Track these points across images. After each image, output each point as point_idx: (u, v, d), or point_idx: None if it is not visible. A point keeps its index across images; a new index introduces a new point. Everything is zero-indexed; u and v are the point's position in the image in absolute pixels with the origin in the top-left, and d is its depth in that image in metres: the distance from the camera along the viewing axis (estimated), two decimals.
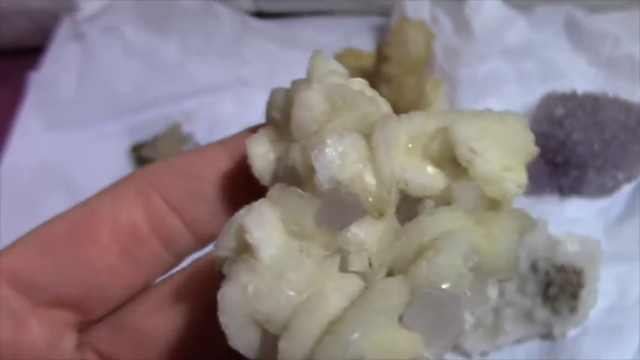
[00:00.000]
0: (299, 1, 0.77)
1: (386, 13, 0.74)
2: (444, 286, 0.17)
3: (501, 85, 0.66)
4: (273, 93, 0.21)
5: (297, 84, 0.20)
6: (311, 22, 0.77)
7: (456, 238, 0.17)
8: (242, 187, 0.21)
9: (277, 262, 0.18)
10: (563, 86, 0.64)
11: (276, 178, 0.20)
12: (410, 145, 0.19)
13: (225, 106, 0.70)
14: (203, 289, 0.21)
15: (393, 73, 0.58)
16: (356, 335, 0.16)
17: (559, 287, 0.52)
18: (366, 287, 0.18)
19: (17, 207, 0.63)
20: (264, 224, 0.18)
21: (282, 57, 0.74)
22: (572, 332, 0.53)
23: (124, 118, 0.70)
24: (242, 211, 0.18)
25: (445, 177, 0.19)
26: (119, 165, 0.67)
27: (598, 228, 0.57)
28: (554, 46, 0.69)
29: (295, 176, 0.19)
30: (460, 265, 0.17)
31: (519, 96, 0.65)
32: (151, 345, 0.22)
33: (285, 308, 0.17)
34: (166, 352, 0.22)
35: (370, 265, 0.18)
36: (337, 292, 0.17)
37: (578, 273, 0.53)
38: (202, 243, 0.22)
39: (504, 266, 0.18)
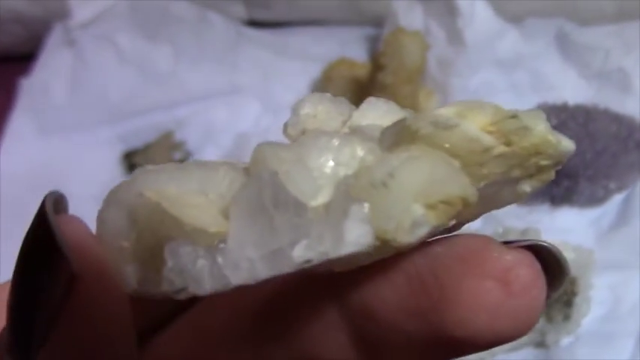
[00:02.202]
0: (291, 10, 0.77)
1: (378, 23, 0.74)
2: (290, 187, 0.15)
3: (493, 95, 0.67)
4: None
5: None
6: (303, 31, 0.77)
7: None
8: None
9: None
10: (554, 98, 0.64)
11: None
12: None
13: (217, 114, 0.71)
14: None
15: (388, 82, 0.59)
16: (164, 176, 0.16)
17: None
18: None
19: (7, 213, 0.62)
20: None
21: (274, 65, 0.74)
22: (565, 340, 0.53)
23: (116, 125, 0.70)
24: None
25: None
26: (110, 172, 0.67)
27: (590, 237, 0.58)
28: (546, 58, 0.69)
29: None
30: (324, 171, 0.15)
31: (512, 106, 0.65)
32: None
33: None
34: None
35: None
36: None
37: (571, 281, 0.53)
38: None
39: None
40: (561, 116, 0.61)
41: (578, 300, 0.53)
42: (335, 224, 0.15)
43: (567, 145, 0.17)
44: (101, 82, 0.72)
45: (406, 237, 0.15)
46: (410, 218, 0.15)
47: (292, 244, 0.15)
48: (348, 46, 0.74)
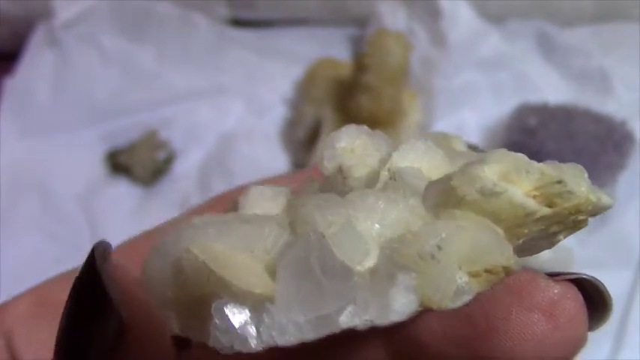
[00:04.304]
0: (275, 10, 0.77)
1: (361, 23, 0.75)
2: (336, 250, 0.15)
3: (476, 96, 0.68)
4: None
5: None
6: (287, 31, 0.77)
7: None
8: None
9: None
10: (535, 98, 0.65)
11: None
12: None
13: (201, 114, 0.71)
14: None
15: (371, 83, 0.59)
16: (212, 231, 0.16)
17: None
18: None
19: None
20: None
21: (258, 65, 0.74)
22: None
23: (99, 125, 0.70)
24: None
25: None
26: (94, 172, 0.67)
27: (570, 236, 0.59)
28: (527, 58, 0.70)
29: None
30: (371, 234, 0.16)
31: (493, 106, 0.66)
32: None
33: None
34: None
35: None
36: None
37: None
38: None
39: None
40: (541, 116, 0.62)
41: None
42: (381, 291, 0.15)
43: (607, 201, 0.17)
44: (85, 82, 0.72)
45: (450, 304, 0.16)
46: (454, 286, 0.16)
47: (339, 310, 0.15)
48: (332, 47, 0.75)
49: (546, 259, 0.55)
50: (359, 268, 0.15)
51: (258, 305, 0.15)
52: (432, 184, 0.17)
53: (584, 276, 0.16)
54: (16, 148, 0.68)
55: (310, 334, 0.15)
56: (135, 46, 0.74)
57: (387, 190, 0.17)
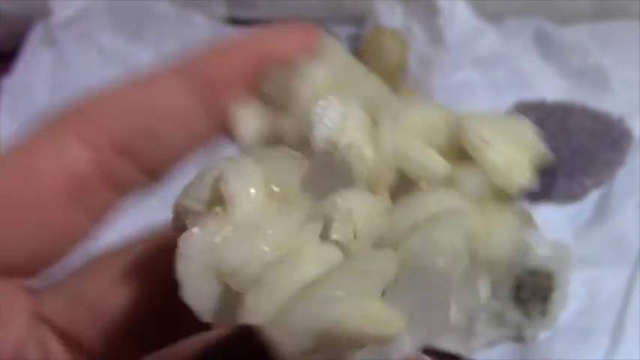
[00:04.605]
0: (272, 9, 0.77)
1: (359, 22, 0.75)
2: (438, 263, 0.15)
3: (473, 93, 0.68)
4: (271, 71, 0.19)
5: (302, 61, 0.19)
6: None
7: (457, 216, 0.16)
8: (203, 126, 0.20)
9: (252, 217, 0.16)
10: (532, 95, 0.65)
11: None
12: (415, 130, 0.18)
13: None
14: (163, 263, 0.18)
15: None
16: (339, 293, 0.15)
17: (530, 291, 0.53)
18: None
19: None
20: (244, 177, 0.16)
21: None
22: (543, 335, 0.54)
23: None
24: (218, 161, 0.17)
25: (448, 164, 0.18)
26: None
27: (567, 233, 0.59)
28: (524, 56, 0.70)
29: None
30: (458, 242, 0.16)
31: (491, 104, 0.66)
32: (112, 321, 0.20)
33: (256, 263, 0.16)
34: (128, 328, 0.20)
35: (355, 236, 0.16)
36: (315, 256, 0.16)
37: (549, 277, 0.54)
38: (159, 181, 0.21)
39: (500, 261, 0.17)
40: (539, 113, 0.62)
41: (555, 295, 0.54)
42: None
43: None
44: (83, 81, 0.71)
45: None
46: None
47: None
48: None
49: (545, 256, 0.55)
50: None
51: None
52: None
53: None
54: None
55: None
56: (133, 45, 0.74)
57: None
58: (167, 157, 0.20)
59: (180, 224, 0.17)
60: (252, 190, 0.16)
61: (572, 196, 0.61)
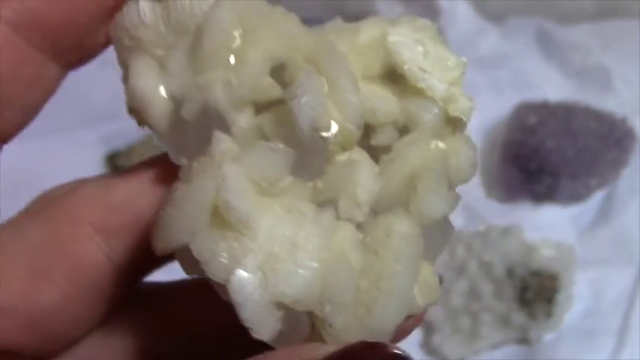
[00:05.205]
0: None
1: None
2: (442, 215, 0.17)
3: (476, 94, 0.67)
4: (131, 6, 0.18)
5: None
6: None
7: (438, 169, 0.17)
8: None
9: (273, 231, 0.16)
10: (535, 95, 0.65)
11: (178, 124, 0.17)
12: (355, 67, 0.18)
13: None
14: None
15: None
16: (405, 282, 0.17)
17: (535, 292, 0.53)
18: (361, 233, 0.17)
19: None
20: (242, 192, 0.16)
21: None
22: (548, 336, 0.54)
23: (98, 126, 0.69)
24: (201, 179, 0.16)
25: (397, 99, 0.18)
26: (94, 174, 0.66)
27: (571, 233, 0.59)
28: (526, 56, 0.70)
29: (218, 119, 0.17)
30: (447, 193, 0.18)
31: (493, 104, 0.66)
32: None
33: (314, 282, 0.16)
34: None
35: (359, 206, 0.17)
36: (351, 245, 0.17)
37: (553, 278, 0.53)
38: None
39: (468, 178, 0.18)
40: (542, 114, 0.61)
41: (560, 297, 0.53)
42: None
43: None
44: (83, 83, 0.71)
45: None
46: None
47: None
48: None
49: (549, 257, 0.54)
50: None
51: None
52: None
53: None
54: (14, 150, 0.67)
55: None
56: None
57: None
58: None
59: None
60: (253, 200, 0.17)
61: (577, 196, 0.60)
